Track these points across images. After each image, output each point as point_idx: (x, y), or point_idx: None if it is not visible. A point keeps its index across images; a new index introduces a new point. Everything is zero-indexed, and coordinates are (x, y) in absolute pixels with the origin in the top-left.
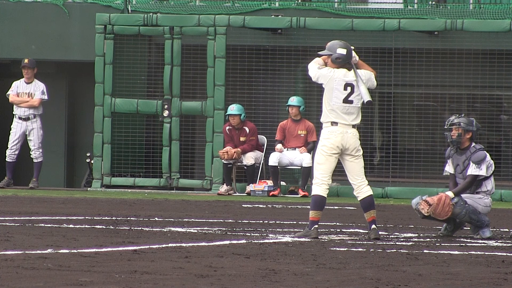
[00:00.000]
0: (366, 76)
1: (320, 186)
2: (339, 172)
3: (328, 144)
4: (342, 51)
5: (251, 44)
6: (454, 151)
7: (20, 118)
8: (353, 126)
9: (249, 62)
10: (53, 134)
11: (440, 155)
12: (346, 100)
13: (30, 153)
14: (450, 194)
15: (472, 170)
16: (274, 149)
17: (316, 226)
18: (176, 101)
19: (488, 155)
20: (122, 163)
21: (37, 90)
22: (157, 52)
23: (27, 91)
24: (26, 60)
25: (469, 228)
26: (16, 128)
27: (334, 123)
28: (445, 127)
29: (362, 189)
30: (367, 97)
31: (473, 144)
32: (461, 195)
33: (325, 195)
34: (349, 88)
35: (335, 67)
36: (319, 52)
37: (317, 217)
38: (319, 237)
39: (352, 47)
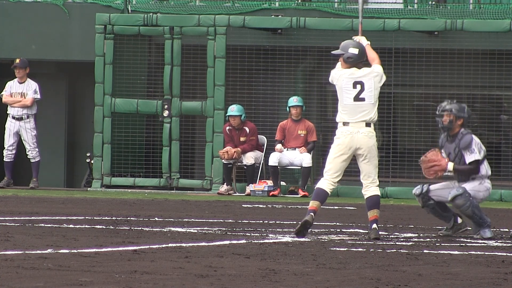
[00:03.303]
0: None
1: (326, 180)
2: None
3: (336, 145)
4: (354, 51)
5: (251, 44)
6: (446, 139)
7: (13, 117)
8: (367, 124)
9: (249, 62)
10: (53, 134)
11: None
12: (358, 98)
13: (27, 153)
14: (450, 165)
15: (469, 157)
16: (274, 149)
17: (312, 214)
18: (176, 101)
19: (475, 137)
20: (122, 163)
21: (29, 89)
22: (157, 52)
23: (20, 91)
24: (17, 60)
25: (469, 229)
26: (9, 128)
27: (346, 123)
28: (437, 112)
29: (369, 188)
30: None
31: (462, 130)
32: (465, 188)
33: (328, 191)
34: (358, 86)
35: (346, 66)
36: (332, 52)
37: (314, 207)
38: (319, 237)
39: (368, 42)
